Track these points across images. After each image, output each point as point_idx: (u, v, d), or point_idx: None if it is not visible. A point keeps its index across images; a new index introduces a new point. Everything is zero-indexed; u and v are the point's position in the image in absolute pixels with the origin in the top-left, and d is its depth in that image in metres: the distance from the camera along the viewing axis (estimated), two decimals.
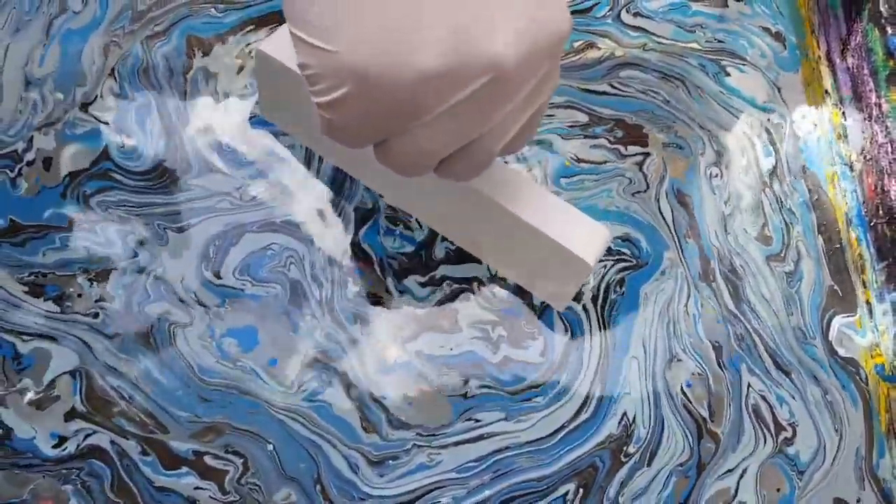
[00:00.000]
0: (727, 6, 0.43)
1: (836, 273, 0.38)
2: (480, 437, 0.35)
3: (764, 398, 0.36)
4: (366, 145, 0.26)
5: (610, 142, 0.40)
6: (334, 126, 0.24)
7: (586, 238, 0.32)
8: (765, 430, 0.36)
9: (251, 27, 0.40)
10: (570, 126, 0.40)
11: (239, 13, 0.41)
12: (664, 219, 0.39)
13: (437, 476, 0.34)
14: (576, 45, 0.41)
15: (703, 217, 0.39)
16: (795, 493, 0.35)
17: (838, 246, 0.39)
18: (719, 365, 0.37)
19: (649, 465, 0.35)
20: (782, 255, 0.39)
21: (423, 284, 0.37)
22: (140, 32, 0.40)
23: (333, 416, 0.34)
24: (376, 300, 0.36)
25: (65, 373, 0.34)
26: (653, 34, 0.42)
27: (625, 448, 0.35)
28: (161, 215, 0.37)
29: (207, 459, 0.33)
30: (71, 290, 0.35)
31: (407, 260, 0.37)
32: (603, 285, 0.37)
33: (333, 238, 0.37)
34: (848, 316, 0.38)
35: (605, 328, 0.37)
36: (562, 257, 0.32)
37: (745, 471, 0.35)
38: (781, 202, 0.40)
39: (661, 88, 0.41)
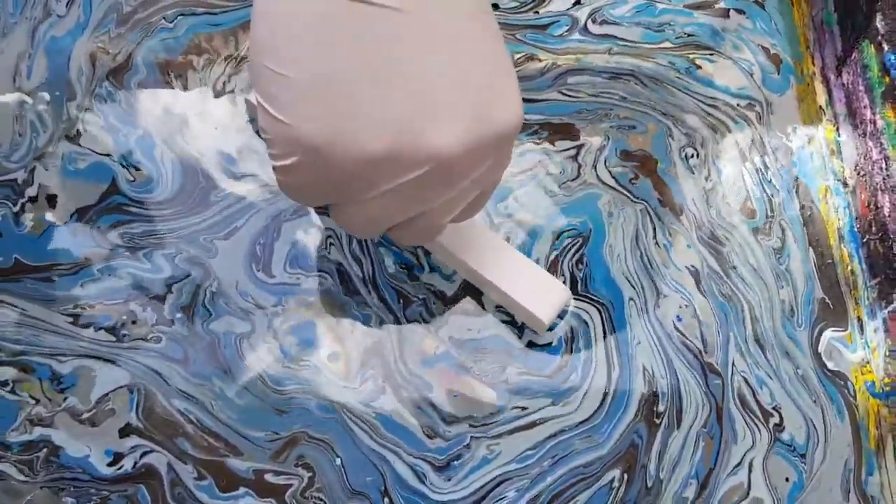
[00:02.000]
0: (728, 17, 0.43)
1: (828, 288, 0.38)
2: (533, 424, 0.35)
3: (746, 381, 0.37)
4: (317, 206, 0.27)
5: (536, 143, 0.40)
6: (287, 186, 0.26)
7: (545, 296, 0.35)
8: (756, 421, 0.36)
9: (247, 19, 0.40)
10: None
11: (232, 14, 0.40)
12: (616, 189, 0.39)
13: (500, 469, 0.35)
14: (516, 58, 0.41)
15: (683, 192, 0.39)
16: (804, 476, 0.36)
17: (830, 261, 0.39)
18: (701, 291, 0.38)
19: (678, 426, 0.36)
20: (767, 228, 0.39)
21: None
22: (127, 36, 0.39)
23: (394, 423, 0.35)
24: (411, 274, 0.37)
25: (119, 388, 0.34)
26: (622, 39, 0.42)
27: (655, 409, 0.36)
28: (206, 230, 0.37)
29: (268, 477, 0.34)
30: (124, 317, 0.35)
31: None
32: (566, 268, 0.37)
33: None
34: (839, 330, 0.38)
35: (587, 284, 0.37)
36: (522, 311, 0.35)
37: (751, 465, 0.36)
38: (762, 174, 0.40)
39: (614, 88, 0.41)
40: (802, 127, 0.41)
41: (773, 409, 0.36)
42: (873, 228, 0.38)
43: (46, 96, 0.38)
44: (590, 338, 0.37)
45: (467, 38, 0.23)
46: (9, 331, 0.35)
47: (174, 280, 0.36)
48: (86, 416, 0.34)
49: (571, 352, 0.37)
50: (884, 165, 0.37)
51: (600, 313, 0.37)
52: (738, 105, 0.41)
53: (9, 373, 0.34)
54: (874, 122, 0.37)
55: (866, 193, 0.38)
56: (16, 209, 0.36)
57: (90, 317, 0.35)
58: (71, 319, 0.35)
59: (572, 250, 0.38)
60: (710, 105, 0.41)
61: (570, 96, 0.40)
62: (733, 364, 0.37)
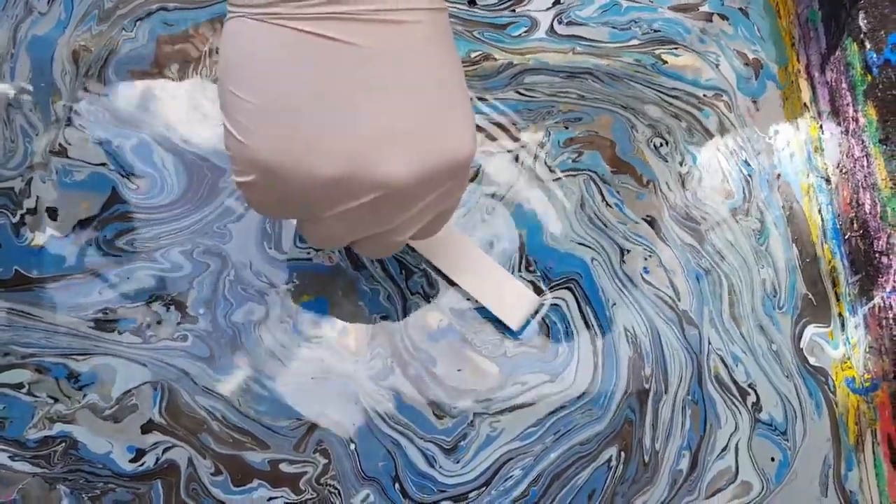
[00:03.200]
0: (710, 21, 0.43)
1: (811, 284, 0.39)
2: (533, 401, 0.36)
3: (722, 360, 0.37)
4: (280, 219, 0.29)
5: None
6: (248, 201, 0.27)
7: (513, 304, 0.36)
8: (735, 401, 0.37)
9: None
10: None
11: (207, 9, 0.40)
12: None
13: (504, 448, 0.35)
14: (472, 55, 0.41)
15: (657, 176, 0.40)
16: (789, 455, 0.36)
17: (812, 258, 0.39)
18: (662, 239, 0.39)
19: (666, 391, 0.37)
20: (746, 208, 0.40)
21: None
22: (109, 34, 0.39)
23: (404, 403, 0.35)
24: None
25: (141, 384, 0.35)
26: (587, 39, 0.42)
27: (643, 373, 0.37)
28: (217, 218, 0.37)
29: (283, 466, 0.34)
30: (148, 319, 0.35)
31: None
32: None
33: None
34: (821, 326, 0.38)
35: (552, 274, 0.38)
36: (492, 314, 0.36)
37: (737, 449, 0.36)
38: (737, 156, 0.40)
39: (570, 86, 0.41)
40: (786, 124, 0.41)
41: (749, 386, 0.37)
42: (855, 225, 0.38)
43: (31, 98, 0.37)
44: (567, 319, 0.37)
45: (423, 72, 0.25)
46: (19, 336, 0.35)
47: (196, 274, 0.36)
48: (108, 412, 0.34)
49: (549, 335, 0.37)
50: (865, 163, 0.37)
51: (572, 291, 0.38)
52: (704, 95, 0.41)
53: (24, 375, 0.34)
54: (857, 120, 0.38)
55: (848, 191, 0.38)
56: (15, 220, 0.36)
57: (113, 321, 0.35)
58: (92, 324, 0.35)
59: (514, 257, 0.38)
60: (671, 96, 0.41)
61: (526, 95, 0.40)
62: (709, 342, 0.38)
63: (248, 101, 0.24)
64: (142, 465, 0.34)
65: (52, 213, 0.36)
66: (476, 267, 0.36)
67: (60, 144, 0.37)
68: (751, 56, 0.42)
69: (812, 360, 0.38)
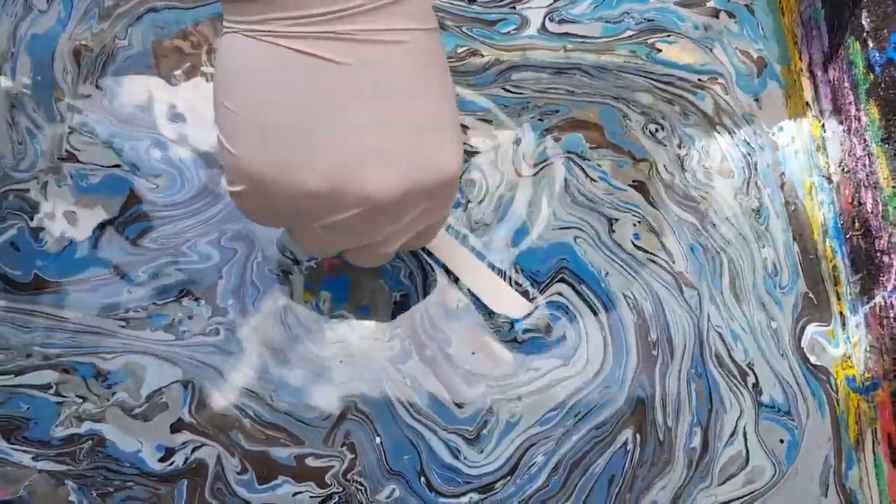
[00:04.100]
0: (717, 17, 0.43)
1: (812, 284, 0.39)
2: (550, 385, 0.36)
3: (720, 336, 0.37)
4: (271, 227, 0.29)
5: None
6: (240, 209, 0.28)
7: (510, 304, 0.37)
8: (736, 384, 0.37)
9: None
10: None
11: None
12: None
13: (525, 435, 0.35)
14: (459, 51, 0.41)
15: (655, 159, 0.40)
16: (796, 434, 0.36)
17: (814, 256, 0.39)
18: (650, 203, 0.38)
19: (672, 357, 0.37)
20: (745, 188, 0.40)
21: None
22: (111, 32, 0.39)
23: (424, 391, 0.35)
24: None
25: (172, 382, 0.35)
26: (581, 36, 0.41)
27: (649, 338, 0.37)
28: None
29: (309, 461, 0.34)
30: (179, 314, 0.35)
31: None
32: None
33: None
34: (822, 325, 0.38)
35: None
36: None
37: (745, 434, 0.36)
38: (733, 133, 0.40)
39: (558, 82, 0.41)
40: (789, 122, 0.41)
41: (748, 366, 0.37)
42: (856, 224, 0.38)
43: (33, 98, 0.37)
44: (566, 307, 0.37)
45: (411, 90, 0.25)
46: (39, 337, 0.35)
47: (224, 261, 0.36)
48: (137, 410, 0.34)
49: (555, 326, 0.37)
50: (867, 162, 0.37)
51: (564, 280, 0.38)
52: (699, 79, 0.41)
53: (50, 376, 0.34)
54: (859, 119, 0.37)
55: (850, 190, 0.38)
56: (33, 224, 0.36)
57: (145, 318, 0.35)
58: (123, 323, 0.35)
59: (503, 263, 0.38)
60: (664, 82, 0.41)
61: (514, 92, 0.40)
62: (709, 318, 0.38)
63: (238, 113, 0.25)
64: (171, 464, 0.34)
65: (71, 216, 0.36)
66: (466, 272, 0.37)
67: (68, 150, 0.37)
68: (754, 55, 0.42)
69: (813, 360, 0.38)
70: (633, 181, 0.39)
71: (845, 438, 0.37)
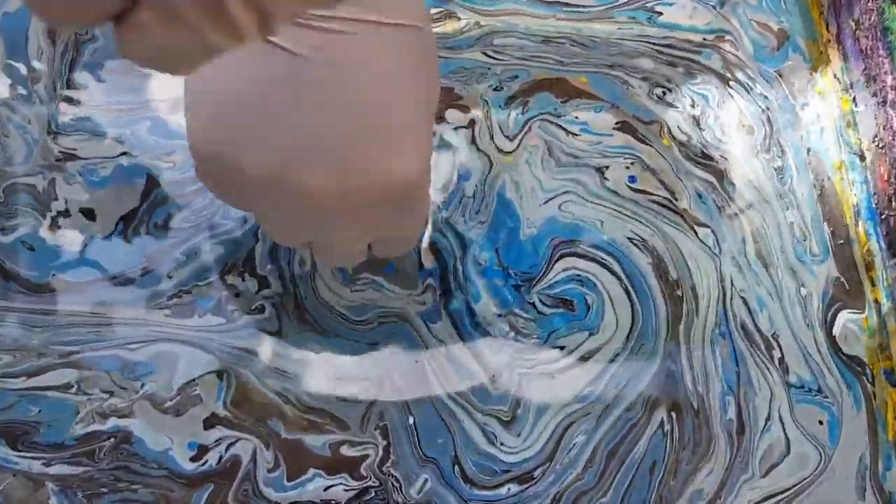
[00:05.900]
0: None
1: (843, 268, 0.36)
2: (583, 358, 0.34)
3: (744, 301, 0.35)
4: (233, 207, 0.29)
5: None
6: (204, 184, 0.27)
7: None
8: (763, 357, 0.35)
9: None
10: None
11: None
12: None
13: (563, 414, 0.33)
14: (434, 12, 0.38)
15: (667, 122, 0.37)
16: (834, 409, 0.34)
17: (844, 240, 0.36)
18: (640, 140, 0.37)
19: (697, 313, 0.35)
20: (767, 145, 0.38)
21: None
22: None
23: (458, 364, 0.33)
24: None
25: (208, 373, 0.33)
26: (573, 5, 0.39)
27: (674, 293, 0.35)
28: None
29: (343, 449, 0.32)
30: (225, 292, 0.33)
31: None
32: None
33: None
34: (855, 313, 0.36)
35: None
36: None
37: (782, 420, 0.34)
38: (750, 88, 0.38)
39: (546, 51, 0.38)
40: (815, 97, 0.38)
41: (772, 336, 0.35)
42: (893, 204, 0.35)
43: (8, 81, 0.35)
44: (577, 277, 0.35)
45: (374, 90, 0.24)
46: (57, 335, 0.33)
47: (257, 226, 0.34)
48: (168, 404, 0.32)
49: (575, 303, 0.35)
50: None
51: (561, 256, 0.35)
52: (704, 39, 0.39)
53: (70, 374, 0.32)
54: (895, 89, 0.35)
55: (885, 166, 0.36)
56: (46, 222, 0.34)
57: (190, 303, 0.33)
58: (168, 312, 0.33)
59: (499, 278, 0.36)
60: (664, 45, 0.39)
61: (493, 58, 0.38)
62: (732, 282, 0.36)
63: (196, 84, 0.25)
64: (203, 463, 0.32)
65: (89, 213, 0.34)
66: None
67: (62, 151, 0.35)
68: (776, 28, 0.39)
69: (846, 349, 0.35)
70: (617, 123, 0.37)
71: (883, 436, 0.34)
